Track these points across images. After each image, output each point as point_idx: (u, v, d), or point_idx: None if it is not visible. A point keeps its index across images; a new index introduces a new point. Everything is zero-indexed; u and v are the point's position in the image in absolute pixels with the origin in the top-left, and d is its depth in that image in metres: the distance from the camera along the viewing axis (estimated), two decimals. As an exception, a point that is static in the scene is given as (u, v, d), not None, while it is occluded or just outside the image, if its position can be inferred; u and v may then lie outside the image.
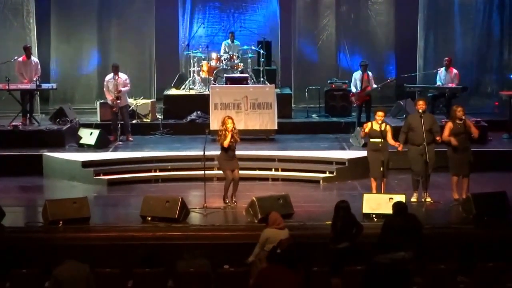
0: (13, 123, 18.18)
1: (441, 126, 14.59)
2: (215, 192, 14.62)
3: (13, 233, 12.76)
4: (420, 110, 14.09)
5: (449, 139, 13.98)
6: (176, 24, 22.23)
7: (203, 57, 20.81)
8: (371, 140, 14.28)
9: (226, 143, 14.08)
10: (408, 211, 11.69)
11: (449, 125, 14.13)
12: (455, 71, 18.98)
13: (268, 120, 18.44)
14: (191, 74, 20.79)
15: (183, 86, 20.82)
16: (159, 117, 19.90)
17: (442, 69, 19.03)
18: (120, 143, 18.20)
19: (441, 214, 13.79)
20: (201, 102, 19.37)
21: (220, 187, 14.20)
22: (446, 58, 19.13)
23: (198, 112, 19.48)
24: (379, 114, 14.26)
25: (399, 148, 14.27)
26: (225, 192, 14.23)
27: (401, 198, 13.17)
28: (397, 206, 11.59)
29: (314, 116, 20.30)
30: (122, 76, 18.52)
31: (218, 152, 14.40)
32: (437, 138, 14.02)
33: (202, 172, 14.24)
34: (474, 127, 14.24)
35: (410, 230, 11.19)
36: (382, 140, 14.13)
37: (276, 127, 18.55)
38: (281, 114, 19.06)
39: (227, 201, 14.21)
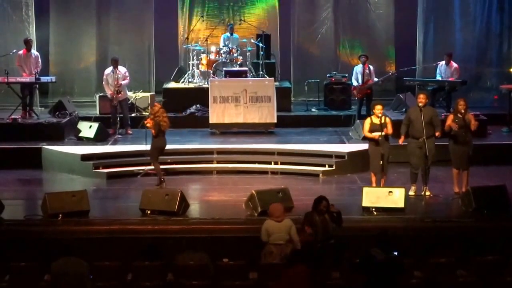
0: (13, 116, 18.13)
1: (441, 120, 14.57)
2: (214, 185, 14.59)
3: (12, 226, 12.72)
4: (420, 104, 14.04)
5: (449, 127, 13.96)
6: (175, 17, 22.18)
7: (202, 50, 20.77)
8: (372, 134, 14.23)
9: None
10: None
11: (451, 116, 14.20)
12: (455, 65, 18.92)
13: (267, 114, 18.40)
14: (190, 68, 20.74)
15: (182, 80, 20.79)
16: (159, 110, 19.85)
17: (442, 62, 18.96)
18: (119, 136, 18.18)
19: (440, 207, 13.77)
20: (200, 96, 19.34)
21: (220, 181, 14.18)
22: (446, 53, 19.05)
23: (197, 105, 19.45)
24: (378, 108, 14.18)
25: (400, 141, 14.26)
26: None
27: (400, 191, 13.18)
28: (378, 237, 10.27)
29: (313, 109, 20.26)
30: (121, 70, 18.49)
31: (215, 146, 14.40)
32: (437, 133, 14.00)
33: (201, 165, 14.21)
34: (474, 120, 14.19)
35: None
36: (383, 133, 14.10)
37: (275, 121, 18.52)
38: (280, 107, 19.01)
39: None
